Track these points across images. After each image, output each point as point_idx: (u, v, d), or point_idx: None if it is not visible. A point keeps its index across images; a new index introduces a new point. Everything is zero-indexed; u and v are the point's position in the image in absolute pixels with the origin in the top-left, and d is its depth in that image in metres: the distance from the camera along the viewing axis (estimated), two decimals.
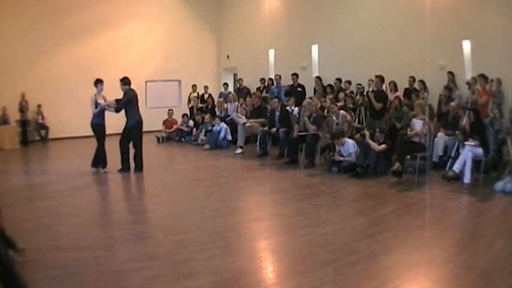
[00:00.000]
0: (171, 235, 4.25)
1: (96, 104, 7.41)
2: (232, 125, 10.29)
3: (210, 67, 15.43)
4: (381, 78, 8.23)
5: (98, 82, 7.59)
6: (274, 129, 8.69)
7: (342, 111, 8.37)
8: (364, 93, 9.12)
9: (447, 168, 6.54)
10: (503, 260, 3.50)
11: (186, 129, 11.79)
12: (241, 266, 3.41)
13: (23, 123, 11.51)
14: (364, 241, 3.94)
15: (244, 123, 9.40)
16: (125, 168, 7.32)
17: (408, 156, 6.70)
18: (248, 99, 10.97)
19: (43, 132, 11.91)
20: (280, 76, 11.70)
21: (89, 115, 12.69)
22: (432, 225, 4.55)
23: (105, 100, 7.50)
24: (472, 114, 6.54)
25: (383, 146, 6.81)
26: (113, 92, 7.37)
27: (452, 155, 6.69)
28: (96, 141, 7.43)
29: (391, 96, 8.65)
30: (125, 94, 7.32)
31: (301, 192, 6.02)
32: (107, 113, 7.52)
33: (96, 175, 7.21)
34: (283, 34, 12.51)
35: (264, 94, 11.42)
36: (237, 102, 11.53)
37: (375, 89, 8.37)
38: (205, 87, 13.30)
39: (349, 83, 10.11)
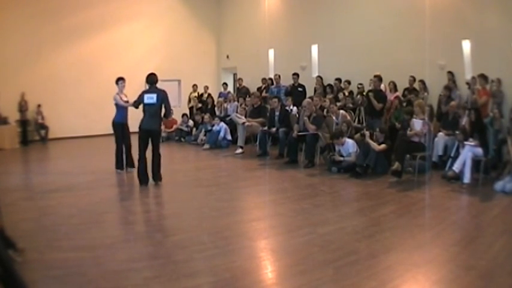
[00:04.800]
0: (171, 235, 4.26)
1: (118, 102, 7.18)
2: (232, 125, 10.29)
3: (210, 67, 15.42)
4: (379, 78, 8.25)
5: (119, 80, 7.34)
6: (274, 129, 8.70)
7: (341, 111, 8.38)
8: (364, 93, 9.13)
9: (447, 168, 6.55)
10: (503, 260, 3.51)
11: (185, 129, 11.79)
12: (241, 266, 3.41)
13: (23, 123, 11.50)
14: (364, 241, 3.94)
15: (244, 123, 9.41)
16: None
17: (408, 156, 6.71)
18: (248, 99, 10.97)
19: (43, 132, 11.90)
20: (279, 76, 11.70)
21: (88, 115, 12.55)
22: (432, 225, 4.56)
23: (127, 98, 7.33)
24: (473, 114, 6.55)
25: (383, 145, 6.81)
26: (115, 91, 7.34)
27: (452, 154, 6.70)
28: (115, 141, 7.28)
29: (390, 96, 8.65)
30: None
31: (300, 192, 6.02)
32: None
33: (100, 175, 7.17)
34: (282, 34, 12.50)
35: (263, 94, 11.43)
36: (236, 102, 11.53)
37: (372, 88, 8.39)
38: (205, 87, 13.30)
39: (349, 82, 10.12)
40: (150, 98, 6.22)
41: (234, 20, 14.72)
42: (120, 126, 7.24)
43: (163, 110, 6.34)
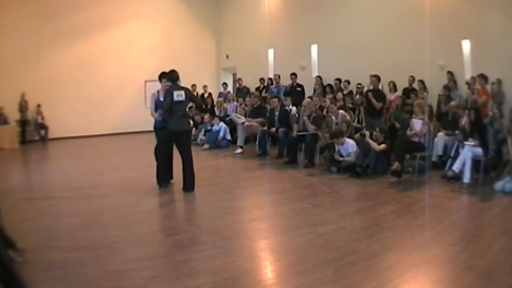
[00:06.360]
0: (171, 235, 4.26)
1: (156, 103, 5.93)
2: (232, 125, 10.29)
3: (210, 67, 15.42)
4: (377, 78, 8.25)
5: (163, 76, 5.99)
6: (273, 129, 8.70)
7: (341, 111, 8.38)
8: (363, 93, 9.13)
9: (447, 168, 6.55)
10: (503, 259, 3.51)
11: None
12: (240, 266, 3.41)
13: (23, 123, 11.51)
14: (363, 241, 3.95)
15: (243, 123, 9.41)
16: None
17: (408, 156, 6.71)
18: (247, 99, 10.97)
19: (43, 132, 11.89)
20: (279, 76, 11.71)
21: (88, 115, 12.44)
22: (432, 225, 4.56)
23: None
24: (472, 113, 6.55)
25: (383, 145, 6.81)
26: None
27: (452, 154, 6.70)
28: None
29: (390, 96, 8.65)
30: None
31: (300, 191, 6.02)
32: None
33: (100, 174, 7.17)
34: (282, 34, 12.50)
35: (263, 94, 11.43)
36: (236, 102, 11.53)
37: (371, 87, 8.39)
38: (205, 87, 13.30)
39: (348, 82, 10.12)
40: (180, 96, 5.69)
41: (234, 20, 14.72)
42: (161, 131, 6.02)
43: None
